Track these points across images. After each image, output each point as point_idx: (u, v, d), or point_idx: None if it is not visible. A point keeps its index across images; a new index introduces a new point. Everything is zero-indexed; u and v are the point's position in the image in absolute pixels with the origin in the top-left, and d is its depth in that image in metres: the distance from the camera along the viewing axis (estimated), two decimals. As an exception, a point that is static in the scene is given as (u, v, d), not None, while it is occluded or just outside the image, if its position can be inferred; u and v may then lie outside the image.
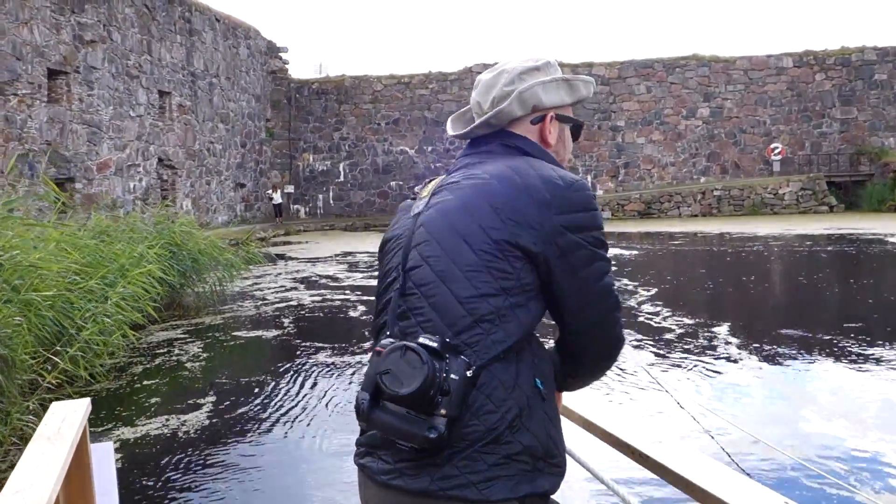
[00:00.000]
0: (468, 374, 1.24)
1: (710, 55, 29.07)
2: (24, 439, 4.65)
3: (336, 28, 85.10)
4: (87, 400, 2.60)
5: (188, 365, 7.24)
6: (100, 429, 5.23)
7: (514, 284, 1.33)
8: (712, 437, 4.65)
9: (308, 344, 8.12)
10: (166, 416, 5.58)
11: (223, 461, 4.66)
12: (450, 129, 1.66)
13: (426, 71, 29.92)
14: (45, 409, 4.22)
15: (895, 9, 61.08)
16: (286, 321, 9.51)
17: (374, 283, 1.58)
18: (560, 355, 1.49)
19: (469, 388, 1.25)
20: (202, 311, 10.31)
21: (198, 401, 5.98)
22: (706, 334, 7.79)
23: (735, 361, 6.63)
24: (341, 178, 30.12)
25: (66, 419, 2.36)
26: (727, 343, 7.35)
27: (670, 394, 5.58)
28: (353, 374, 6.70)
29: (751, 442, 4.45)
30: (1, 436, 4.67)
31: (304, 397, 6.02)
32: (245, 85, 26.93)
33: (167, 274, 9.00)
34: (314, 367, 6.97)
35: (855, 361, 6.44)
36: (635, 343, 7.45)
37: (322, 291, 11.81)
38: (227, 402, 5.93)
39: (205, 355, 7.68)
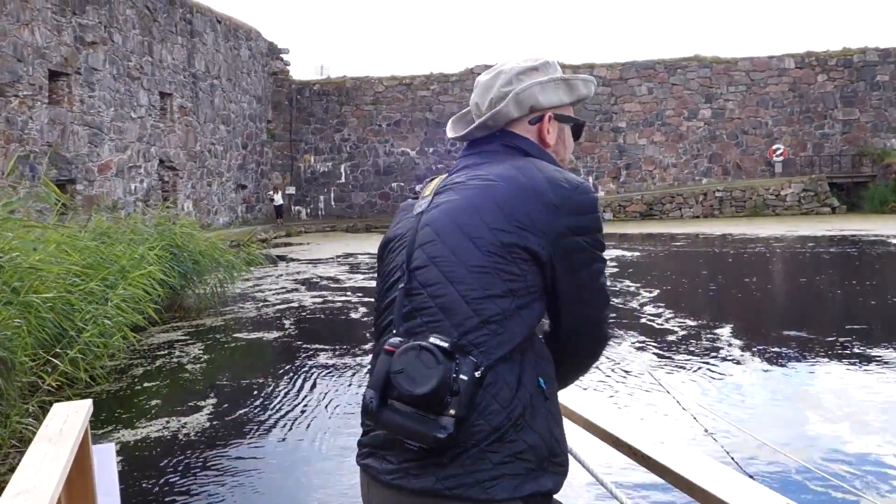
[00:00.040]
0: (476, 374, 1.25)
1: (712, 56, 29.04)
2: (24, 442, 4.64)
3: (337, 29, 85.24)
4: (89, 401, 2.59)
5: (189, 367, 7.22)
6: (100, 431, 5.21)
7: (520, 286, 1.33)
8: (715, 440, 4.63)
9: (309, 346, 8.10)
10: (167, 419, 5.56)
11: (223, 463, 4.65)
12: (449, 132, 1.66)
13: (427, 72, 29.92)
14: (44, 411, 4.21)
15: (897, 10, 61.04)
16: (287, 323, 9.49)
17: (376, 284, 1.56)
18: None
19: (476, 388, 1.25)
20: (203, 312, 10.30)
21: (198, 403, 5.96)
22: (709, 336, 7.76)
23: (738, 363, 6.60)
24: (342, 180, 30.12)
25: (67, 420, 2.35)
26: (730, 345, 7.32)
27: (673, 395, 5.56)
28: (353, 375, 6.68)
29: (755, 444, 4.42)
30: (0, 438, 4.65)
31: (304, 399, 6.00)
32: (246, 86, 26.94)
33: (168, 275, 8.99)
34: (315, 369, 6.96)
35: (858, 363, 6.41)
36: (638, 345, 7.43)
37: (323, 293, 11.80)
38: (228, 404, 5.92)
39: (205, 357, 7.66)
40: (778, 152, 28.01)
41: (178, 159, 21.60)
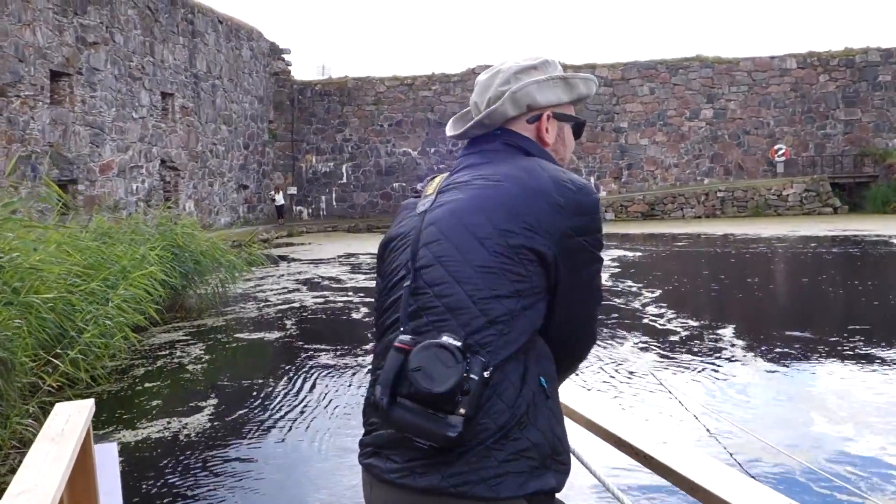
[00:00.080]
0: (485, 374, 1.25)
1: (714, 56, 29.03)
2: (24, 443, 4.63)
3: (339, 29, 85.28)
4: (91, 401, 2.58)
5: (190, 367, 7.21)
6: (101, 432, 5.20)
7: (526, 287, 1.33)
8: (718, 441, 4.61)
9: (310, 346, 8.09)
10: (168, 419, 5.55)
11: (224, 464, 4.63)
12: (449, 131, 1.65)
13: (429, 72, 29.93)
14: (45, 412, 4.20)
15: (899, 10, 61.00)
16: (288, 323, 9.48)
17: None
18: None
19: (484, 387, 1.25)
20: (204, 312, 10.29)
21: (199, 403, 5.95)
22: (711, 336, 7.74)
23: (741, 363, 6.58)
24: (344, 180, 30.14)
25: (69, 420, 2.35)
26: (732, 345, 7.30)
27: (675, 396, 5.54)
28: (353, 375, 6.67)
29: (758, 446, 4.40)
30: (0, 439, 4.64)
31: (304, 400, 5.99)
32: (248, 86, 26.95)
33: (169, 276, 8.99)
34: (315, 369, 6.94)
35: (861, 363, 6.39)
36: (641, 345, 7.41)
37: (324, 293, 11.79)
38: (229, 405, 5.90)
39: (207, 357, 7.65)
40: (780, 152, 27.99)
41: (180, 159, 21.61)
